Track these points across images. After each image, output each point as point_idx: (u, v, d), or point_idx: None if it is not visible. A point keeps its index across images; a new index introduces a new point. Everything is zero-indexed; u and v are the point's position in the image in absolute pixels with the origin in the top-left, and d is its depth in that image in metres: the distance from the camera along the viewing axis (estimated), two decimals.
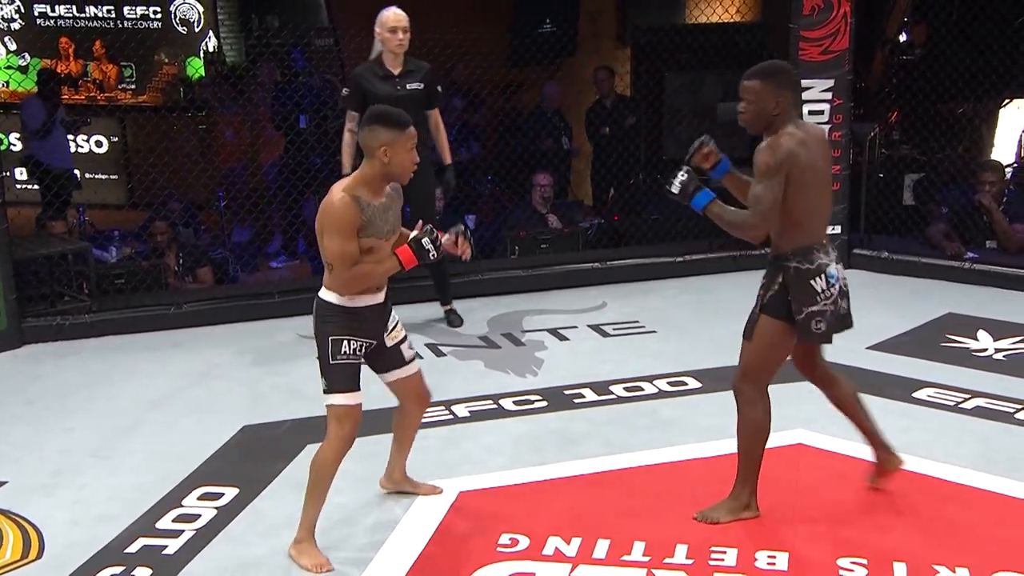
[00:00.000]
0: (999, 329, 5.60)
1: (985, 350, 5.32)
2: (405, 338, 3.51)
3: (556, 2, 7.92)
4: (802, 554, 3.29)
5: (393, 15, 5.54)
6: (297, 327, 6.10)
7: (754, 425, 3.44)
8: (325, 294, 3.31)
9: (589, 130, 7.95)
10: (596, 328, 5.94)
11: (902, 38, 7.88)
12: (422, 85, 5.59)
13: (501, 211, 7.55)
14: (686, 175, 3.36)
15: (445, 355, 5.54)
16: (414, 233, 3.29)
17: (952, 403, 4.55)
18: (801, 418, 4.33)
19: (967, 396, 4.61)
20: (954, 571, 3.14)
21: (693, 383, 4.91)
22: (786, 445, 4.08)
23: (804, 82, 6.67)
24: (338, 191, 3.19)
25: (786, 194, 3.21)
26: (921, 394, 4.63)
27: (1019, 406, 4.48)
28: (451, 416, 4.59)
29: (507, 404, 4.73)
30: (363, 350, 3.34)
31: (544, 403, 4.75)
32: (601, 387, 4.91)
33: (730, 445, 4.13)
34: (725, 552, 3.30)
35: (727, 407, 4.57)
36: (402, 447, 3.76)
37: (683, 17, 8.15)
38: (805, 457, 4.05)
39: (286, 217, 7.50)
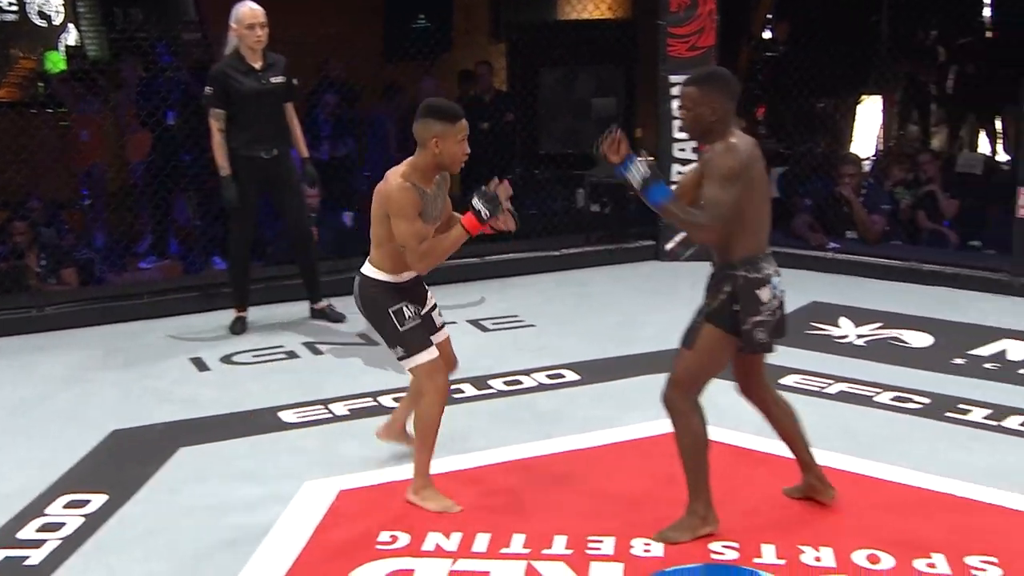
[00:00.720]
0: (859, 316, 5.84)
1: (846, 336, 5.54)
2: (435, 306, 3.69)
3: None
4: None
5: (249, 11, 5.46)
6: (168, 328, 5.95)
7: (692, 436, 3.31)
8: (373, 272, 3.51)
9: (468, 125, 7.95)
10: (475, 323, 5.96)
11: (766, 35, 8.14)
12: (284, 78, 5.56)
13: None
14: (648, 163, 3.19)
15: (323, 353, 5.48)
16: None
17: (816, 388, 4.73)
18: None
19: (830, 381, 4.80)
20: (818, 550, 3.26)
21: (571, 375, 4.98)
22: (661, 434, 4.17)
23: (672, 78, 6.84)
24: (396, 178, 3.37)
25: (741, 201, 3.14)
26: (788, 380, 4.79)
27: (878, 390, 4.68)
28: (330, 415, 4.55)
29: (386, 401, 4.70)
30: (418, 314, 3.53)
31: None
32: (480, 382, 4.93)
33: (609, 435, 4.24)
34: (602, 541, 3.34)
35: (605, 398, 4.68)
36: (414, 404, 3.80)
37: (555, 14, 8.23)
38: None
39: (155, 216, 7.29)
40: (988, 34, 6.86)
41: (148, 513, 3.64)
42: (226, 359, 5.42)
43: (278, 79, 5.54)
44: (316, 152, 7.41)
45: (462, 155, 3.39)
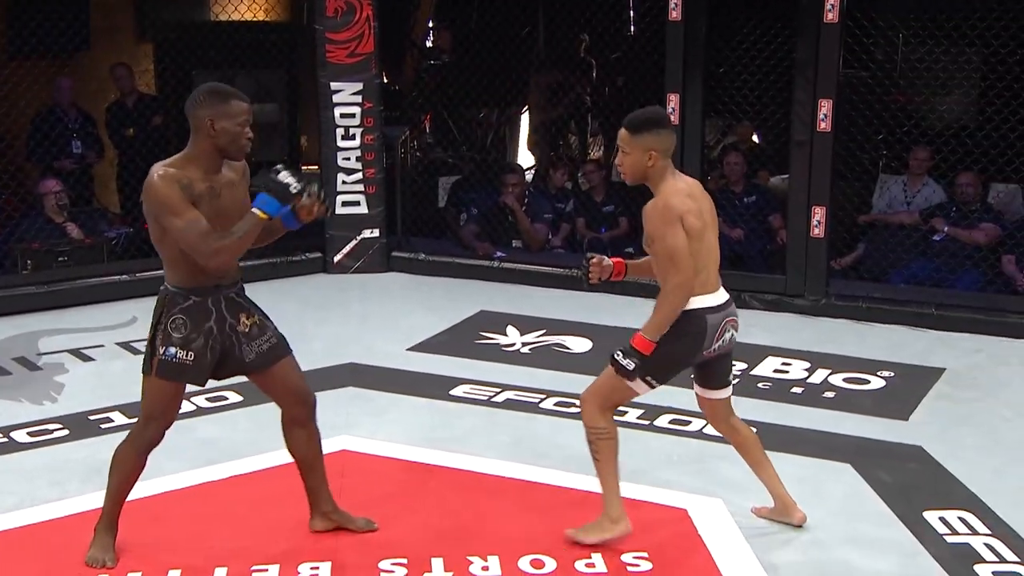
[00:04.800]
0: (525, 324, 5.96)
1: (513, 344, 5.63)
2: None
3: None
4: (345, 560, 3.26)
5: None
6: None
7: None
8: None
9: (111, 132, 7.38)
10: (126, 345, 5.54)
11: (429, 43, 8.19)
12: None
13: (7, 222, 6.76)
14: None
15: None
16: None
17: (485, 397, 4.75)
18: (344, 424, 4.33)
19: (498, 390, 4.83)
20: (486, 559, 3.24)
21: (234, 397, 4.68)
22: (330, 452, 4.01)
23: (333, 85, 6.68)
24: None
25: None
26: (457, 391, 4.79)
27: (543, 396, 4.76)
28: None
29: (20, 436, 4.29)
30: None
31: (65, 431, 4.35)
32: (132, 409, 4.52)
33: (265, 460, 4.01)
34: (267, 569, 3.19)
35: (263, 421, 4.44)
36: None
37: (207, 14, 7.83)
38: (349, 463, 4.01)
39: None
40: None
41: None
42: None
43: None
44: None
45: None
